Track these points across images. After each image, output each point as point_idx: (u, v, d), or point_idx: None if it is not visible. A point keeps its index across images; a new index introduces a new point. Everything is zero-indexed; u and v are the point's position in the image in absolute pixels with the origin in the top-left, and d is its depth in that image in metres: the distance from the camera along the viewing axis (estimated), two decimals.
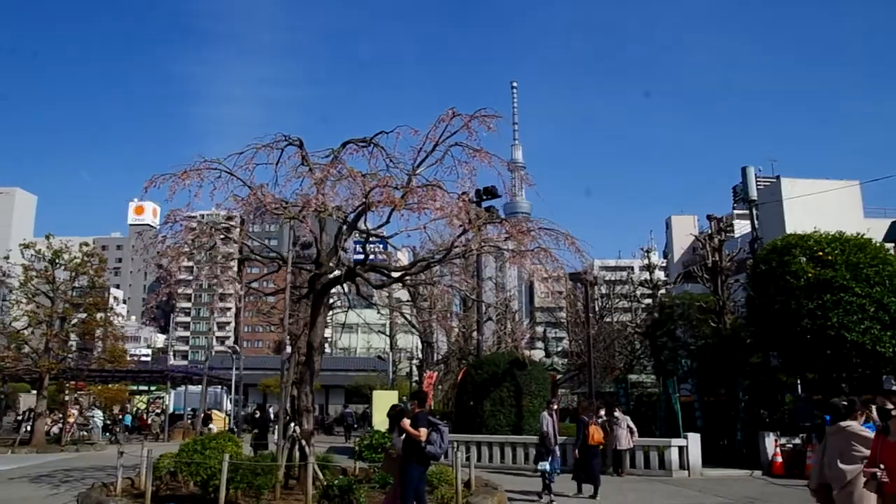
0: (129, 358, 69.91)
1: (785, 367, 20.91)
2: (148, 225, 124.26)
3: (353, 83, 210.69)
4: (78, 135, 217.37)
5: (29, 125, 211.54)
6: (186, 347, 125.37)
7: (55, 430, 29.25)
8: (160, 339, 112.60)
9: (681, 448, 18.23)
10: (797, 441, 18.98)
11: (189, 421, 35.08)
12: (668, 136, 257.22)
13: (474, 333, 34.14)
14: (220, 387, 46.74)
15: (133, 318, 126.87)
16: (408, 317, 40.58)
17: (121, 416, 33.59)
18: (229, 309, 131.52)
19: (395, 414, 9.72)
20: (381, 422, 23.99)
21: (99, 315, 28.27)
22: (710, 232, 23.60)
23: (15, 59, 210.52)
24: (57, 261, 25.34)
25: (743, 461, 19.54)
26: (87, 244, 26.27)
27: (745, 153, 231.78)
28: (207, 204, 13.21)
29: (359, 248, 16.22)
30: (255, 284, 19.43)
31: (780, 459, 18.25)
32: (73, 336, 27.26)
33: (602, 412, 18.44)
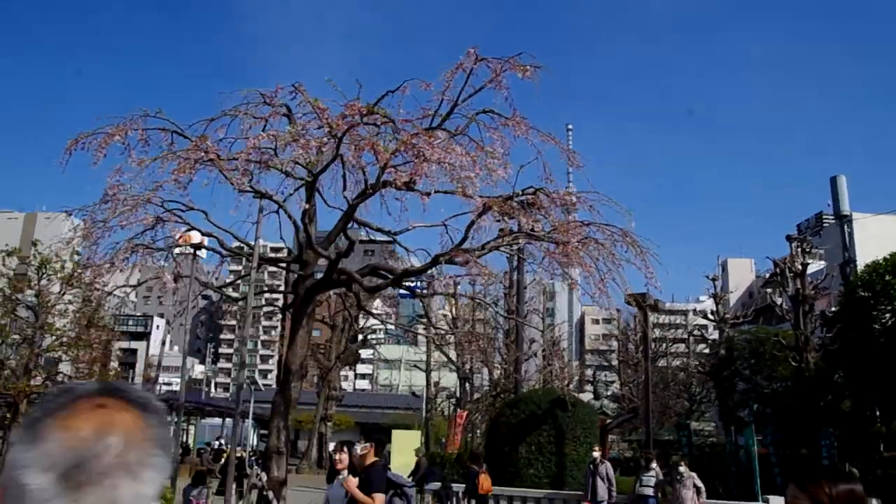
0: (160, 389, 67.95)
1: (886, 415, 17.06)
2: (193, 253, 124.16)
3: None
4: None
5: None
6: (228, 380, 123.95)
7: None
8: (198, 370, 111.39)
9: None
10: None
11: (199, 457, 32.29)
12: (717, 181, 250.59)
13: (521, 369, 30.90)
14: (246, 420, 44.59)
15: (176, 348, 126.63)
16: (445, 350, 37.69)
17: None
18: (274, 342, 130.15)
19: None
20: (400, 466, 21.12)
21: (92, 332, 25.59)
22: (791, 256, 19.99)
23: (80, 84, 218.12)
24: (44, 270, 22.83)
25: None
26: (78, 253, 23.74)
27: (798, 197, 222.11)
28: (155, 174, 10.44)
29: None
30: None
31: None
32: (62, 356, 24.55)
33: (654, 465, 14.96)
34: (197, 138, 9.46)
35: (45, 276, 23.02)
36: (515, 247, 10.24)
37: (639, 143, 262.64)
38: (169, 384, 79.46)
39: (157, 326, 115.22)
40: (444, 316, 36.56)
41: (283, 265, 12.42)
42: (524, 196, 9.66)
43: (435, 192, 10.67)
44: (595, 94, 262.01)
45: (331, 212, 12.67)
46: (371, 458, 5.93)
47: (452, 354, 36.83)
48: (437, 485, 18.67)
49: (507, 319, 31.70)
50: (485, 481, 14.74)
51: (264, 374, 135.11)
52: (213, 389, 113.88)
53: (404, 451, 21.03)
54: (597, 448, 15.08)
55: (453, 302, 34.04)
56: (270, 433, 11.09)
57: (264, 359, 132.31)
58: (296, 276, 11.75)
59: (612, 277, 9.60)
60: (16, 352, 25.35)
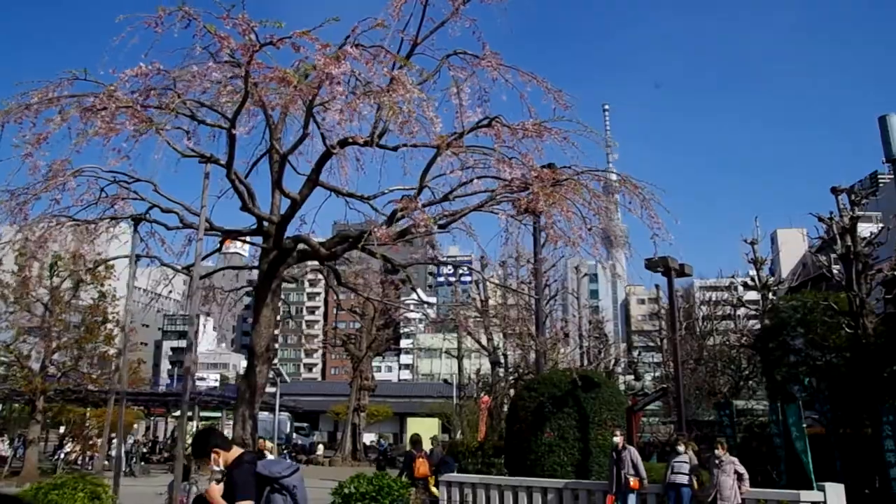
0: (198, 384, 68.09)
1: None
2: (237, 253, 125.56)
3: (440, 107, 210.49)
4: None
5: None
6: (271, 374, 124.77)
7: (80, 459, 26.77)
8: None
9: None
10: None
11: None
12: (766, 148, 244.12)
13: (555, 351, 29.16)
14: (284, 414, 44.87)
15: (223, 345, 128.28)
16: (475, 335, 36.18)
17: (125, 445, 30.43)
18: (316, 336, 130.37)
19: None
20: None
21: (108, 327, 25.08)
22: (838, 210, 17.84)
23: None
24: (55, 268, 22.39)
25: None
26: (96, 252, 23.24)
27: (853, 166, 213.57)
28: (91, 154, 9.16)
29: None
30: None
31: None
32: (75, 352, 24.20)
33: (682, 448, 13.15)
34: (107, 87, 8.04)
35: (56, 273, 22.68)
36: (490, 199, 8.62)
37: (680, 117, 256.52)
38: (203, 379, 79.85)
39: (204, 325, 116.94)
40: (473, 300, 35.14)
41: (243, 239, 11.02)
42: (479, 129, 8.06)
43: (405, 146, 9.18)
44: (631, 65, 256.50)
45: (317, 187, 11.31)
46: (235, 452, 4.31)
47: (484, 340, 35.35)
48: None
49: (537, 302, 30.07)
50: (421, 465, 15.29)
51: (309, 367, 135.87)
52: None
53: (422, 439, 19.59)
54: (617, 432, 13.33)
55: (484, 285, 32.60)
56: (235, 423, 9.78)
57: (308, 353, 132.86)
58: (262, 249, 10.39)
59: (600, 226, 7.87)
60: (33, 350, 25.15)
